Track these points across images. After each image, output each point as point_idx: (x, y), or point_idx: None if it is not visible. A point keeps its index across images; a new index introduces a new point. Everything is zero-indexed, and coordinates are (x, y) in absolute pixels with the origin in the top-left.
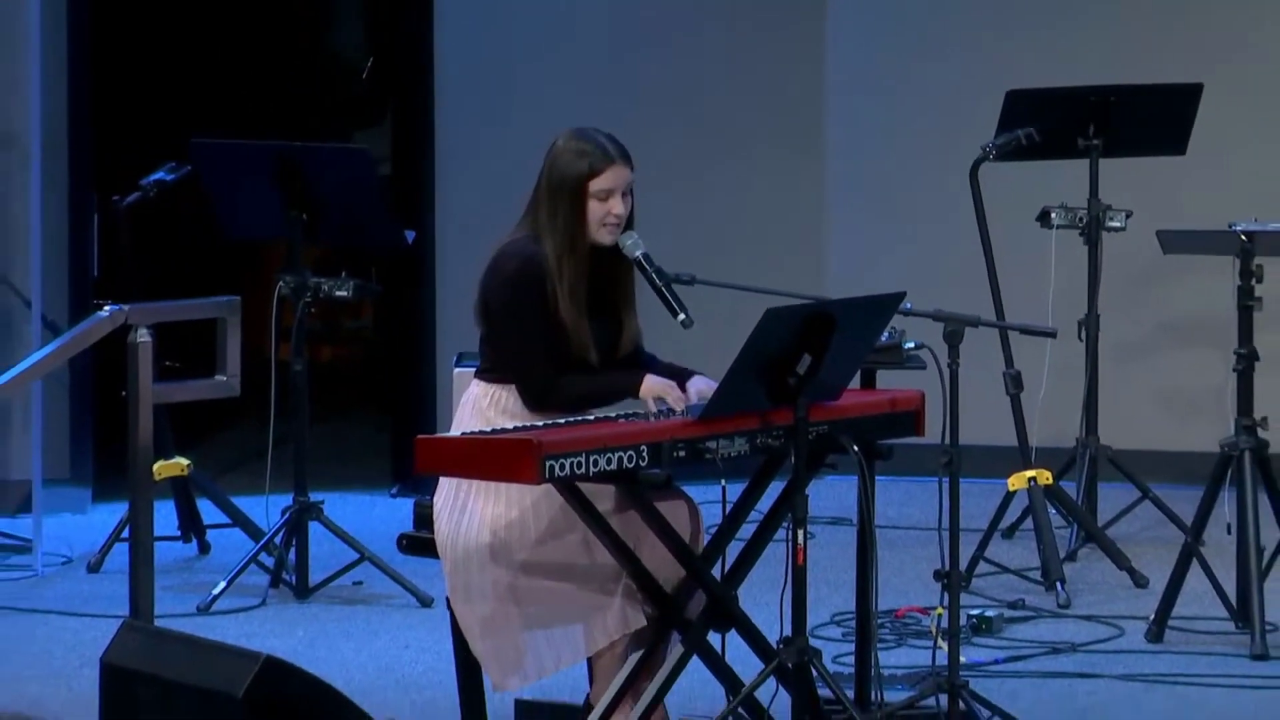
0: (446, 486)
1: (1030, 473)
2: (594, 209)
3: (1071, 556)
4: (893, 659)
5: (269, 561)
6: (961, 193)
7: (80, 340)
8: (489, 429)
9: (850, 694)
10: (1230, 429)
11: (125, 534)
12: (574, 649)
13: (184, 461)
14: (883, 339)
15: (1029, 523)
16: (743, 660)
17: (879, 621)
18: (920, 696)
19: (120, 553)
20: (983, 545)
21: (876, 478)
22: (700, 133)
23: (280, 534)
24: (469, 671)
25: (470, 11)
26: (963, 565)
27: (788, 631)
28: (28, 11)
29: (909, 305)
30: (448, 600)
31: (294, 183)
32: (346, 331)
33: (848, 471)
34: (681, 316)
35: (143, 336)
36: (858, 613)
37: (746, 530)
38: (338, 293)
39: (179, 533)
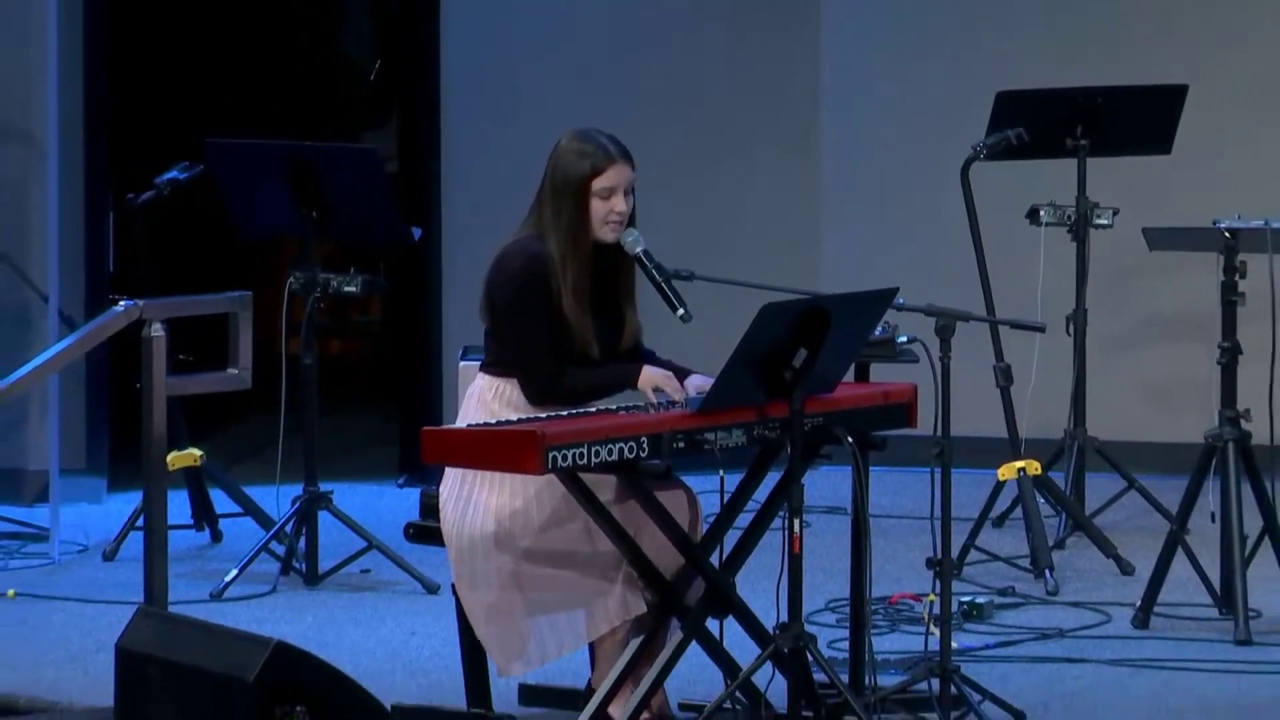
0: (452, 477)
1: (1020, 463)
2: (596, 207)
3: (1060, 545)
4: (886, 644)
5: (280, 550)
6: (953, 191)
7: (96, 335)
8: (493, 421)
9: (845, 678)
10: (1214, 421)
11: (140, 523)
12: (576, 634)
13: (197, 452)
14: (876, 333)
15: (1018, 512)
16: (740, 645)
17: (873, 608)
18: (913, 681)
19: (135, 541)
20: (973, 534)
21: (870, 468)
22: (699, 133)
23: (290, 523)
24: (474, 656)
25: (475, 15)
26: (954, 553)
27: (784, 617)
28: (45, 15)
29: (902, 301)
30: (453, 587)
31: (304, 181)
32: (355, 326)
33: (842, 462)
34: (681, 311)
35: (157, 331)
36: (852, 599)
37: (744, 519)
38: (346, 288)
39: (192, 521)
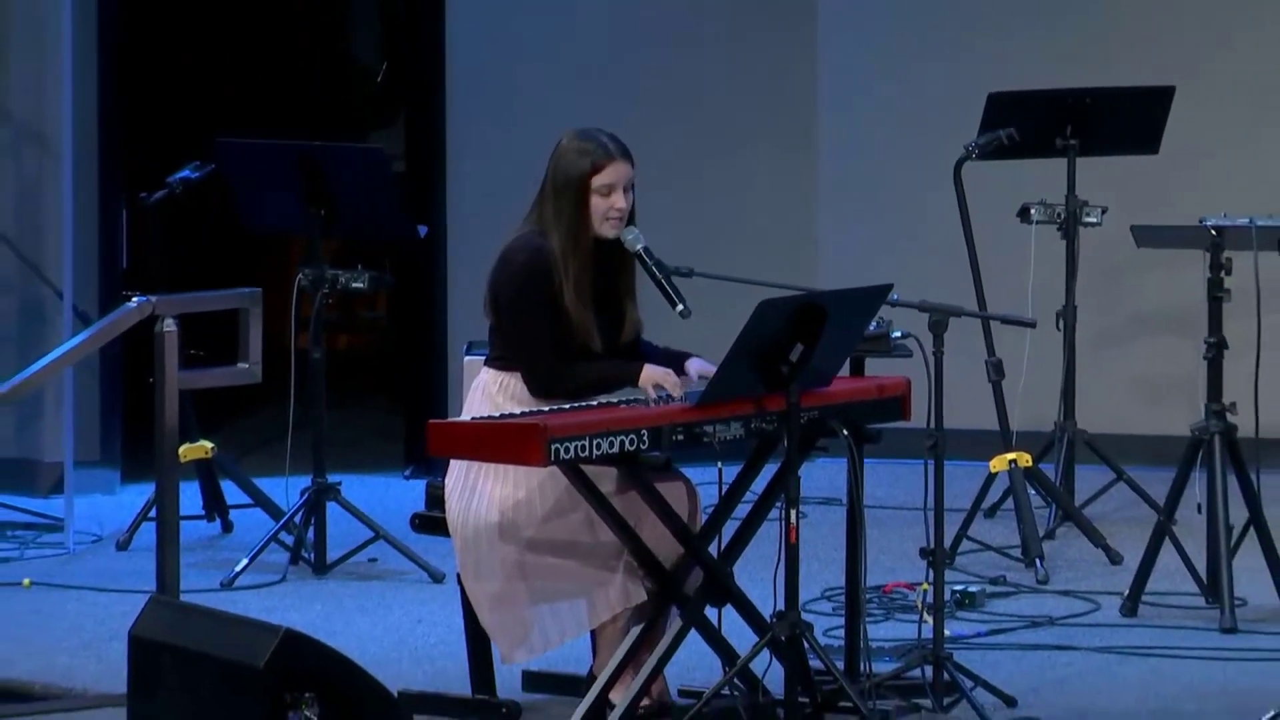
0: (457, 468)
1: (1011, 455)
2: (597, 204)
3: (1050, 535)
4: (880, 632)
5: (289, 540)
6: (946, 190)
7: (110, 330)
8: (498, 414)
9: (840, 665)
10: (1201, 414)
11: (152, 513)
12: (578, 622)
13: (208, 444)
14: (871, 328)
15: (1010, 503)
16: (738, 633)
17: (867, 596)
18: (906, 667)
19: (147, 531)
20: (966, 524)
21: (865, 460)
22: (699, 133)
23: (299, 513)
24: (479, 644)
25: (479, 20)
26: (947, 543)
27: (781, 606)
28: (61, 20)
29: (896, 296)
30: (458, 576)
31: (313, 180)
32: (362, 321)
33: (838, 454)
34: (680, 307)
35: (169, 326)
36: (847, 588)
37: (742, 510)
38: (354, 284)
39: (203, 512)
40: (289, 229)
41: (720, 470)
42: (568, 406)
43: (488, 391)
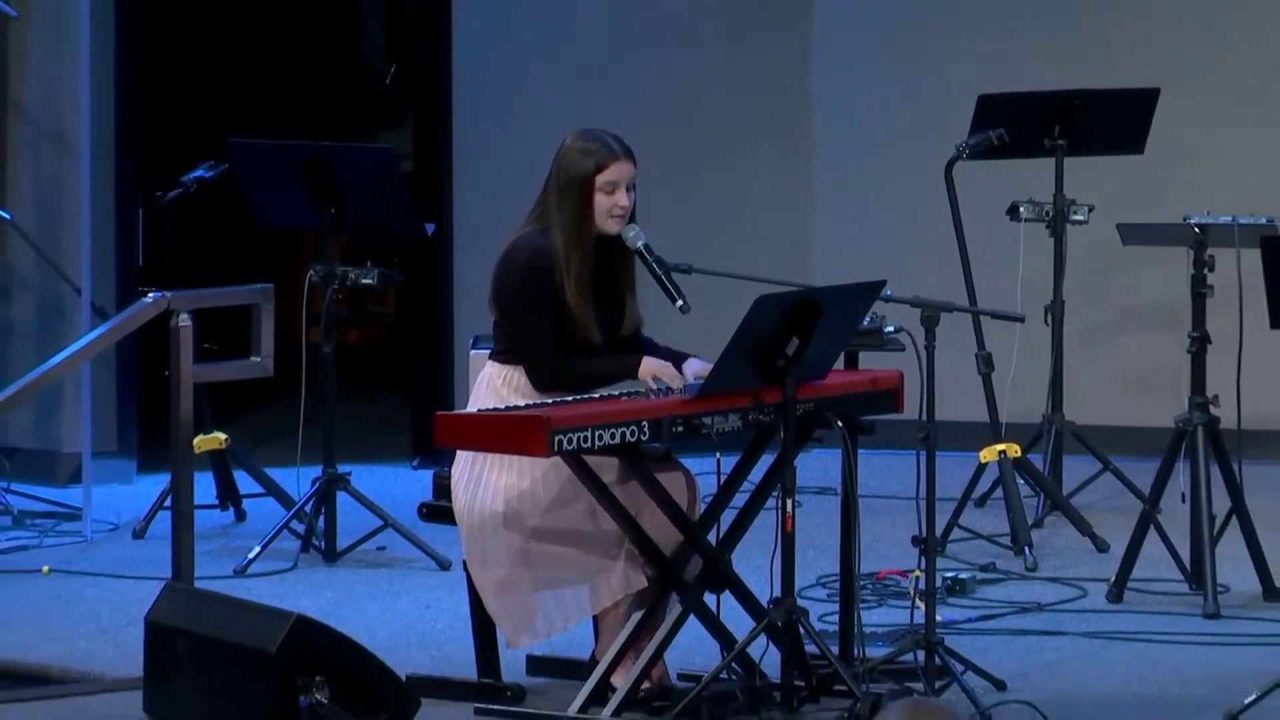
0: (463, 459)
1: (1001, 446)
2: (600, 202)
3: (1038, 523)
4: (874, 618)
5: (300, 528)
6: (937, 189)
7: (126, 325)
8: (503, 406)
9: (835, 649)
10: (1184, 406)
11: (168, 503)
12: (580, 608)
13: (222, 436)
14: (865, 323)
15: (999, 492)
16: (736, 619)
17: (861, 583)
18: (899, 652)
19: (163, 520)
20: (957, 513)
21: (859, 451)
22: (698, 133)
23: (310, 503)
24: (484, 629)
25: (484, 22)
26: (938, 532)
27: (777, 593)
28: (79, 23)
29: (889, 292)
30: (464, 564)
31: (323, 179)
32: (371, 317)
33: (833, 445)
34: (680, 303)
35: (184, 321)
36: (842, 575)
37: (739, 499)
38: (363, 281)
39: (217, 501)
40: (300, 227)
41: (719, 461)
42: (570, 399)
43: (493, 384)
